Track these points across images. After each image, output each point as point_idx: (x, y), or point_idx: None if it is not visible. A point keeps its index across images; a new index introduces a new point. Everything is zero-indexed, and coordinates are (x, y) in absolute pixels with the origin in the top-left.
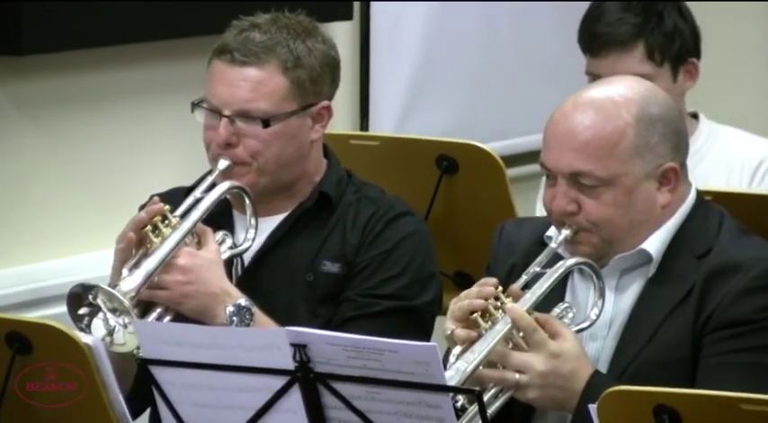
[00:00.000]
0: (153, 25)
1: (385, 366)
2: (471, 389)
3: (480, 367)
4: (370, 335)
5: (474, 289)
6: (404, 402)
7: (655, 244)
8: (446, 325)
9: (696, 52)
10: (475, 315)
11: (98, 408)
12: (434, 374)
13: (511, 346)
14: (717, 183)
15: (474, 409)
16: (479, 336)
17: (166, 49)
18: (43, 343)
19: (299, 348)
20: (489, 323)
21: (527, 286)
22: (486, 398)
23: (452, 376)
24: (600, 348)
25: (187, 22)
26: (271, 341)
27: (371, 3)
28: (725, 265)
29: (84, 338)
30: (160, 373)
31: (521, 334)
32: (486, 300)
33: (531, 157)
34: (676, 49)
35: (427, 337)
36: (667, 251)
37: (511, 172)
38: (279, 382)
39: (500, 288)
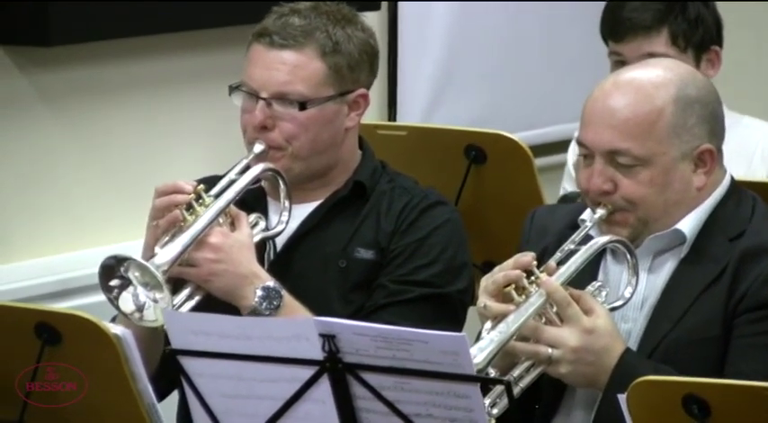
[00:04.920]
0: (179, 16)
1: (414, 356)
2: (501, 379)
3: (513, 340)
4: (401, 322)
5: (509, 261)
6: (432, 392)
7: (689, 225)
8: (479, 300)
9: (719, 41)
10: (509, 288)
11: (127, 399)
12: (463, 364)
13: (544, 321)
14: (737, 171)
15: (500, 388)
16: (513, 310)
17: (194, 40)
18: (72, 333)
19: (328, 339)
20: (523, 297)
21: (561, 264)
22: (517, 372)
23: (485, 347)
24: (630, 329)
25: (214, 13)
26: (299, 331)
27: None
28: (758, 248)
29: (113, 329)
30: (189, 364)
31: (554, 309)
32: (523, 270)
33: (558, 146)
34: (699, 36)
35: (459, 326)
36: (701, 233)
37: (539, 161)
38: (308, 372)
39: (534, 263)
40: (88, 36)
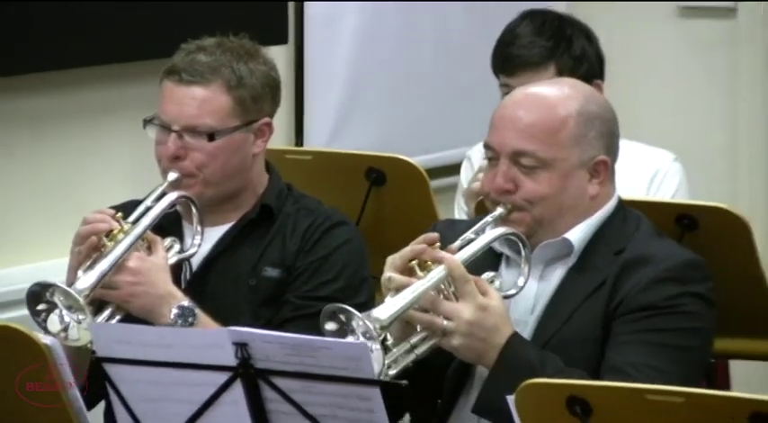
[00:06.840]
0: (97, 50)
1: (319, 362)
2: (398, 382)
3: (411, 309)
4: (306, 334)
5: (417, 239)
6: (337, 395)
7: (577, 235)
8: (384, 273)
9: (601, 75)
10: (413, 263)
11: (57, 405)
12: (364, 369)
13: (442, 297)
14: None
15: (400, 350)
16: (415, 282)
17: (111, 73)
18: (3, 344)
19: (241, 346)
20: (425, 272)
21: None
22: (414, 340)
23: (388, 309)
24: (521, 332)
25: (131, 47)
26: (214, 340)
27: (305, 28)
28: (638, 258)
29: (43, 339)
30: (113, 370)
31: (452, 288)
32: (430, 245)
33: (452, 169)
34: (584, 71)
35: None
36: (588, 246)
37: (434, 183)
38: (222, 377)
39: (438, 244)
40: (6, 70)
